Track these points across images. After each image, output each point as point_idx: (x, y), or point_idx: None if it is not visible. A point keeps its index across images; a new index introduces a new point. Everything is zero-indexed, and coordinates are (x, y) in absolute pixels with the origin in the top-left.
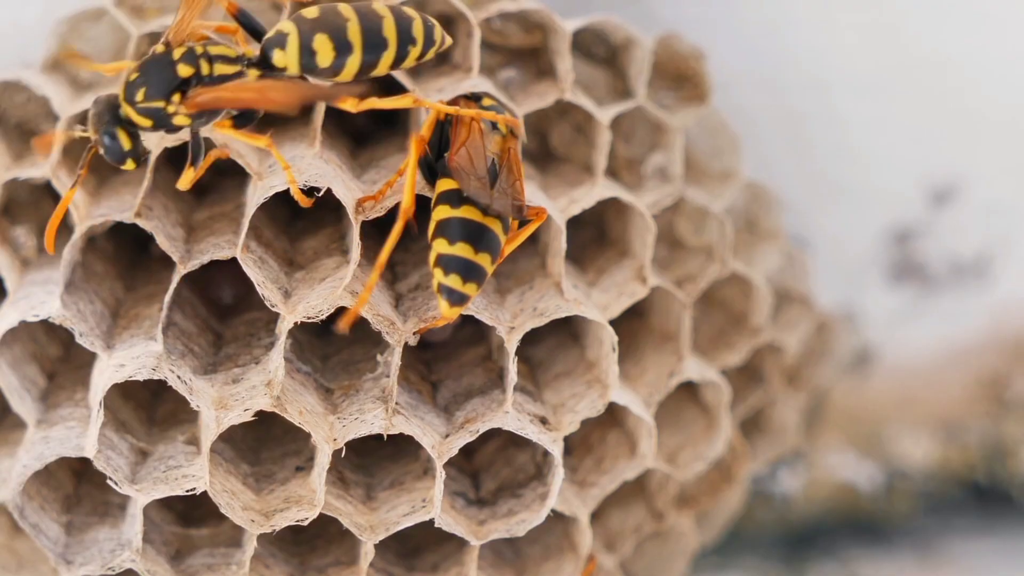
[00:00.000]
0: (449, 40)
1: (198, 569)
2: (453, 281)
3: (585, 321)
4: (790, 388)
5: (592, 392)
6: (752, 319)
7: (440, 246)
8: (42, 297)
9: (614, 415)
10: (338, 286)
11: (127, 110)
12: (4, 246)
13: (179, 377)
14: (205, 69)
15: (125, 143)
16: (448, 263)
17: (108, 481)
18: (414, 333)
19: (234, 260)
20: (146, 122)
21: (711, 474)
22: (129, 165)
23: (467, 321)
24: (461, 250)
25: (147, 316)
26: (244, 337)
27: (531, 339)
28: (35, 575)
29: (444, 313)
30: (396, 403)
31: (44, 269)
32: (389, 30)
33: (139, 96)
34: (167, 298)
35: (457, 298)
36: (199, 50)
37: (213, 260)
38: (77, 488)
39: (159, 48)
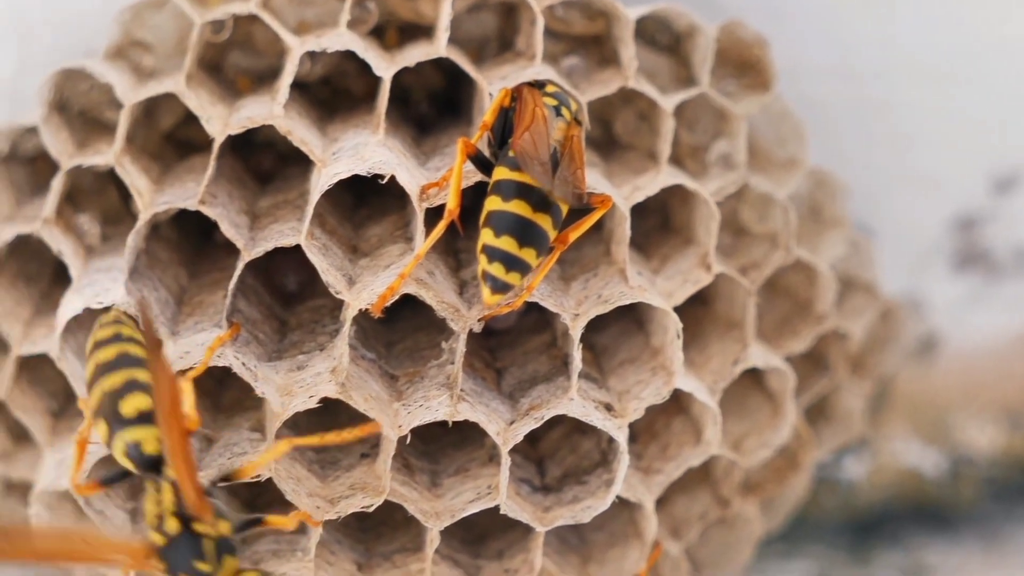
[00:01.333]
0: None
1: (263, 556)
2: (496, 270)
3: (650, 308)
4: (855, 375)
5: (657, 379)
6: (817, 306)
7: (486, 236)
8: (106, 284)
9: (679, 402)
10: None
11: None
12: (68, 233)
13: (244, 364)
14: None
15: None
16: (492, 253)
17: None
18: (479, 320)
19: (298, 247)
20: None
21: (776, 461)
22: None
23: (532, 308)
24: (505, 244)
25: (211, 303)
26: (309, 324)
27: (595, 326)
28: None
29: (486, 300)
30: (461, 390)
31: (108, 256)
32: None
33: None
34: (231, 285)
35: (500, 286)
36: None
37: (277, 247)
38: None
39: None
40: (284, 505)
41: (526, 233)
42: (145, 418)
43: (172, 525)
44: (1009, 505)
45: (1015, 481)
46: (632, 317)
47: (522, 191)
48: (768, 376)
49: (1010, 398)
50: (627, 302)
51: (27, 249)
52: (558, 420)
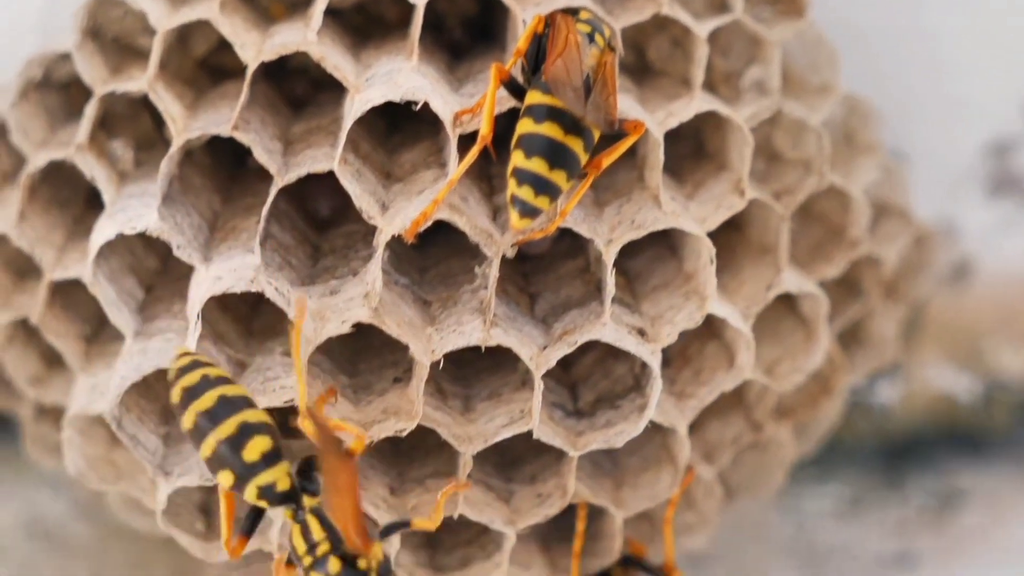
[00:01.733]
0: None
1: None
2: (525, 193)
3: (683, 233)
4: (888, 300)
5: (690, 304)
6: (850, 232)
7: (517, 158)
8: (139, 210)
9: (712, 327)
10: (437, 198)
11: None
12: (102, 159)
13: (277, 289)
14: None
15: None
16: (522, 176)
17: None
18: (512, 245)
19: (331, 173)
20: None
21: (809, 386)
22: None
23: (565, 234)
24: (536, 165)
25: (245, 229)
26: (342, 249)
27: (629, 251)
28: (133, 486)
29: (514, 224)
30: (494, 315)
31: (141, 182)
32: None
33: None
34: (265, 211)
35: (529, 210)
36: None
37: (311, 173)
38: None
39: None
40: None
41: (557, 155)
42: (270, 459)
43: (335, 566)
44: None
45: None
46: (665, 242)
47: (554, 114)
48: (801, 301)
49: None
50: (660, 227)
51: (60, 175)
52: (591, 345)
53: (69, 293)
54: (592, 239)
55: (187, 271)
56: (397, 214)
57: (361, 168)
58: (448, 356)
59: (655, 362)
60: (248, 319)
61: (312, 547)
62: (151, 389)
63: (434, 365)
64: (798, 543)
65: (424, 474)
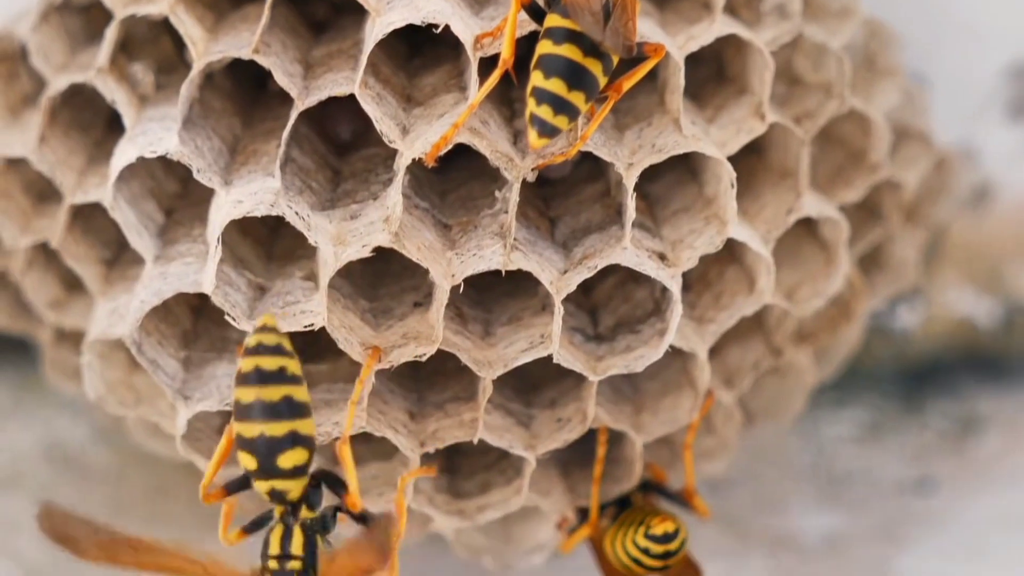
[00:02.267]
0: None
1: (316, 404)
2: (544, 112)
3: (703, 157)
4: (909, 224)
5: (710, 228)
6: (871, 156)
7: (536, 79)
8: (160, 133)
9: (732, 251)
10: (457, 121)
11: None
12: (122, 83)
13: (297, 213)
14: None
15: None
16: (541, 95)
17: (226, 317)
18: (532, 169)
19: (352, 96)
20: None
21: (829, 310)
22: None
23: (585, 158)
24: (554, 86)
25: (265, 152)
26: (362, 173)
27: (649, 175)
28: (153, 411)
29: (532, 143)
30: (514, 239)
31: (162, 106)
32: None
33: None
34: (285, 134)
35: (548, 130)
36: None
37: (331, 96)
38: (195, 324)
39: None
40: (337, 354)
41: (576, 76)
42: (298, 472)
43: (296, 567)
44: None
45: None
46: (686, 166)
47: (573, 36)
48: (821, 225)
49: None
50: (681, 151)
51: (81, 98)
52: (611, 269)
53: (89, 217)
54: (612, 163)
55: (207, 195)
56: (418, 138)
57: (382, 92)
58: (468, 280)
59: (675, 286)
60: (268, 243)
61: (285, 556)
62: (171, 313)
63: (454, 289)
64: (817, 468)
65: (444, 399)
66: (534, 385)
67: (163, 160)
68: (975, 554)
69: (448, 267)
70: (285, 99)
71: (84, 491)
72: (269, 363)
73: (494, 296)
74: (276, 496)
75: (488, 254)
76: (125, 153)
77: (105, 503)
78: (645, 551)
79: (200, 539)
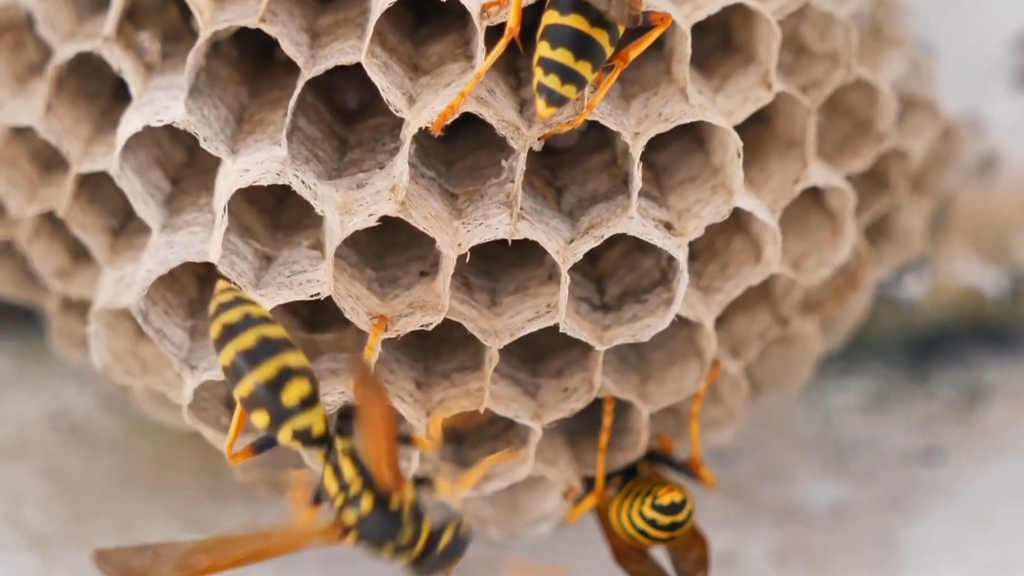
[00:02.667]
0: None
1: (322, 374)
2: (552, 82)
3: (710, 127)
4: (915, 194)
5: (717, 197)
6: (877, 125)
7: (543, 49)
8: (166, 102)
9: (739, 221)
10: (464, 90)
11: None
12: (129, 51)
13: (303, 182)
14: None
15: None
16: (548, 65)
17: (233, 285)
18: (539, 138)
19: (359, 65)
20: None
21: (836, 280)
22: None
23: (592, 127)
24: (561, 56)
25: (272, 121)
26: (369, 142)
27: (655, 145)
28: (159, 380)
29: (540, 113)
30: (521, 208)
31: (168, 75)
32: None
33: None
34: (292, 103)
35: (556, 99)
36: None
37: (338, 65)
38: (201, 293)
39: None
40: (343, 324)
41: (582, 46)
42: (308, 403)
43: (367, 504)
44: None
45: None
46: (692, 136)
47: (579, 6)
48: (828, 195)
49: None
50: (687, 120)
51: (87, 67)
52: (618, 239)
53: (95, 186)
54: (619, 132)
55: (214, 164)
56: (424, 107)
57: (388, 61)
58: (474, 250)
59: (682, 256)
60: (275, 212)
61: (344, 487)
62: (177, 282)
63: (460, 258)
64: (823, 438)
65: (450, 368)
66: (540, 355)
67: (169, 129)
68: (982, 524)
69: (454, 236)
70: (292, 68)
71: (90, 460)
72: (232, 316)
73: (500, 265)
74: (303, 438)
75: (494, 223)
76: (131, 122)
77: (111, 472)
78: (652, 522)
79: (206, 508)
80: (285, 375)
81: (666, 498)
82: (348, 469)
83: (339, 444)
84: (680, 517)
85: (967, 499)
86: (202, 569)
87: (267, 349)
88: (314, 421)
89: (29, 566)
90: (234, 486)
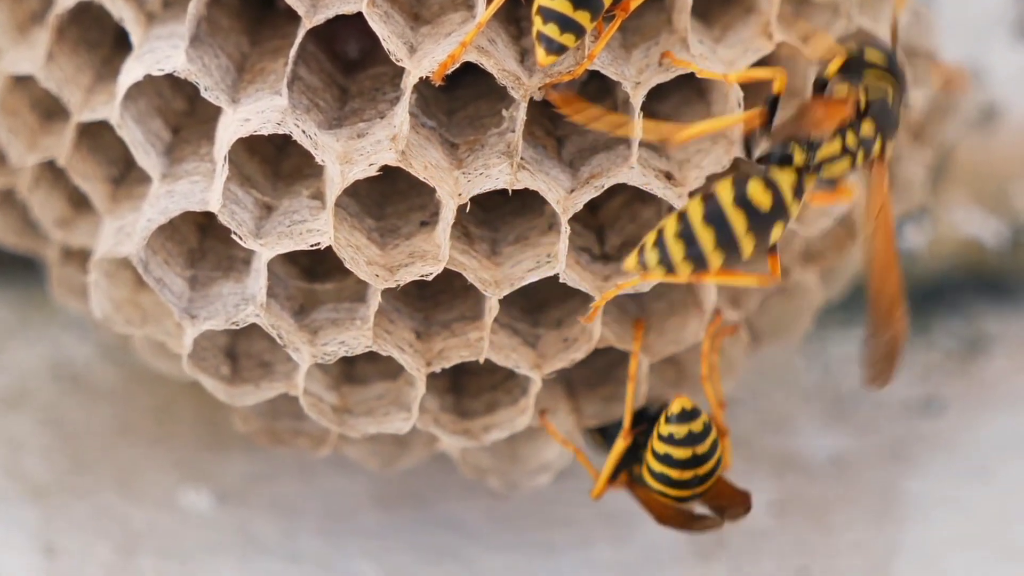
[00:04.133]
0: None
1: (322, 324)
2: (550, 30)
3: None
4: (916, 144)
5: (718, 148)
6: None
7: None
8: (167, 51)
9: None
10: (465, 40)
11: None
12: (130, 1)
13: (304, 131)
14: None
15: None
16: (547, 14)
17: (232, 236)
18: (540, 88)
19: (360, 15)
20: None
21: (837, 230)
22: None
23: (593, 77)
24: (559, 4)
25: (272, 71)
26: (369, 92)
27: (656, 95)
28: (159, 330)
29: (540, 61)
30: (521, 158)
31: (169, 24)
32: None
33: None
34: (292, 52)
35: (555, 48)
36: None
37: (339, 14)
38: (201, 243)
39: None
40: (343, 273)
41: None
42: None
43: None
44: None
45: None
46: (693, 86)
47: None
48: None
49: None
50: (688, 70)
51: (88, 16)
52: (618, 189)
53: (96, 135)
54: (620, 82)
55: (214, 113)
56: (425, 56)
57: (389, 10)
58: (475, 200)
59: (682, 205)
60: (275, 162)
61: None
62: (177, 231)
63: (461, 208)
64: (824, 388)
65: (450, 318)
66: (540, 305)
67: (170, 78)
68: (982, 475)
69: (455, 186)
70: (293, 17)
71: (90, 410)
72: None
73: (501, 215)
74: None
75: (495, 173)
76: (132, 71)
77: (111, 422)
78: (668, 449)
79: (205, 458)
80: None
81: (675, 406)
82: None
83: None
84: (697, 426)
85: (967, 450)
86: None
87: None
88: None
89: (29, 516)
90: (234, 436)
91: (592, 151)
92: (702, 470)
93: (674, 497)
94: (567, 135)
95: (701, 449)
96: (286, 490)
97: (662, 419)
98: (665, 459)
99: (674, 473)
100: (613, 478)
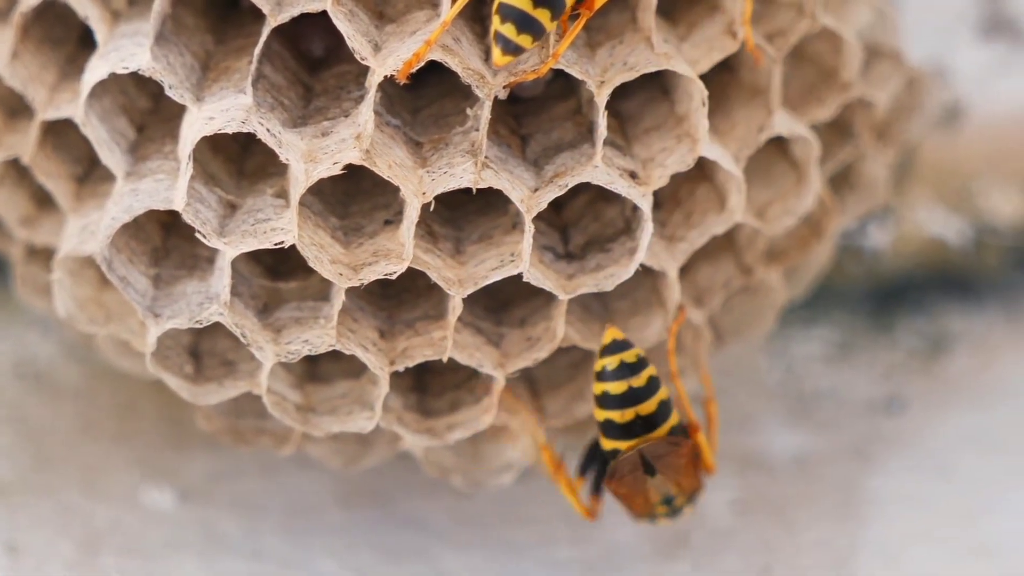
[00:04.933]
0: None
1: (286, 323)
2: (508, 30)
3: (675, 75)
4: (880, 143)
5: (682, 146)
6: (842, 74)
7: None
8: (132, 49)
9: (703, 170)
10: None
11: None
12: None
13: (268, 130)
14: None
15: None
16: (505, 12)
17: (196, 234)
18: (504, 87)
19: (324, 13)
20: None
21: (800, 229)
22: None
23: (557, 75)
24: (519, 2)
25: (237, 69)
26: (334, 90)
27: (621, 93)
28: (123, 328)
29: (496, 61)
30: (485, 156)
31: (134, 21)
32: None
33: None
34: (257, 51)
35: (512, 48)
36: None
37: (304, 13)
38: (165, 241)
39: None
40: (307, 272)
41: None
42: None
43: None
44: None
45: None
46: (658, 85)
47: None
48: (793, 144)
49: None
50: (653, 69)
51: (53, 14)
52: (582, 187)
53: (61, 133)
54: (584, 81)
55: (179, 111)
56: (390, 55)
57: (354, 8)
58: (439, 198)
59: (646, 205)
60: (240, 160)
61: None
62: (142, 230)
63: (425, 207)
64: (787, 387)
65: (414, 317)
66: (504, 304)
67: (135, 76)
68: (944, 473)
69: (419, 185)
70: (258, 16)
71: (53, 408)
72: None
73: (465, 214)
74: None
75: (459, 172)
76: (97, 69)
77: (74, 420)
78: (605, 387)
79: (168, 456)
80: None
81: (607, 336)
82: None
83: None
84: (629, 357)
85: (930, 449)
86: None
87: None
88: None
89: None
90: (197, 435)
91: (556, 150)
92: (643, 409)
93: (627, 451)
94: (532, 134)
95: (637, 383)
96: (249, 488)
97: (596, 355)
98: (604, 400)
99: (616, 416)
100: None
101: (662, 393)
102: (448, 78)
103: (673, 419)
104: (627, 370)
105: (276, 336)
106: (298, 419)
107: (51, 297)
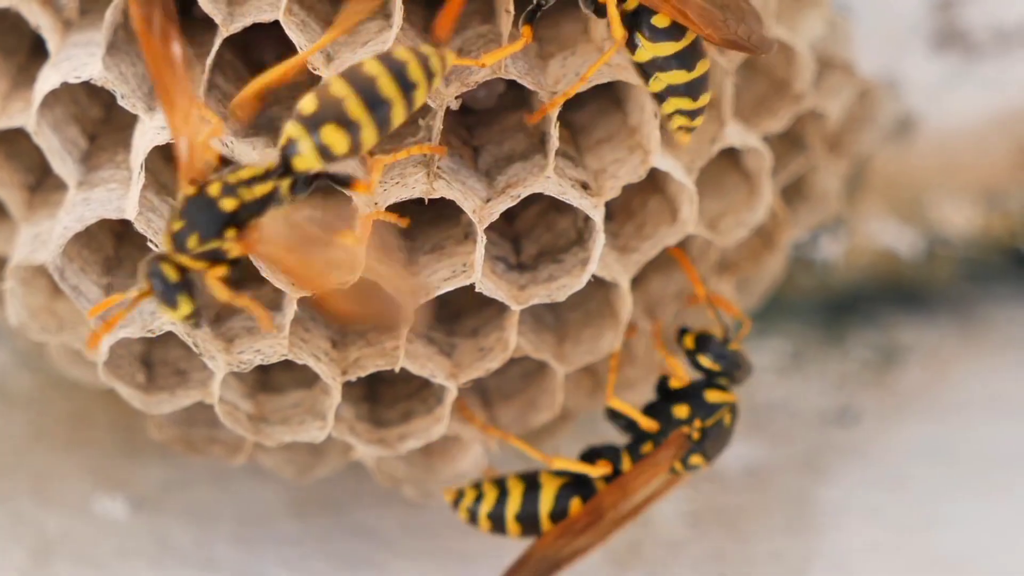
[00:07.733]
0: (450, 62)
1: (238, 332)
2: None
3: (627, 86)
4: (832, 155)
5: (634, 157)
6: (794, 85)
7: None
8: (84, 59)
9: (655, 181)
10: (380, 49)
11: (181, 260)
12: (46, 8)
13: (220, 139)
14: (246, 195)
15: (172, 276)
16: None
17: (149, 243)
18: (456, 97)
19: (277, 23)
20: (202, 265)
21: (752, 240)
22: (183, 307)
23: (510, 86)
24: None
25: (190, 79)
26: (286, 100)
27: (573, 104)
28: (75, 337)
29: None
30: (438, 167)
31: (86, 31)
32: (386, 88)
33: (192, 243)
34: (209, 61)
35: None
36: (233, 180)
37: (256, 23)
38: (118, 250)
39: (189, 191)
40: (260, 282)
41: None
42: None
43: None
44: (984, 285)
45: (990, 261)
46: (610, 96)
47: None
48: (745, 155)
49: (986, 178)
50: (605, 80)
51: (4, 23)
52: (534, 198)
53: (12, 142)
54: (536, 91)
55: (131, 121)
56: (342, 65)
57: (306, 19)
58: (391, 208)
59: (598, 216)
60: None
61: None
62: (94, 239)
63: None
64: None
65: (366, 327)
66: (456, 314)
67: (87, 86)
68: (896, 484)
69: (371, 195)
70: (210, 25)
71: (5, 416)
72: None
73: (417, 225)
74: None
75: (411, 182)
76: (49, 79)
77: (26, 428)
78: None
79: (120, 465)
80: None
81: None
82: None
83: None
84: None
85: (882, 460)
86: None
87: None
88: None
89: None
90: (149, 444)
91: (508, 160)
92: None
93: None
94: (484, 144)
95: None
96: (201, 497)
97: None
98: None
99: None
100: None
101: None
102: None
103: None
104: None
105: (228, 346)
106: (250, 429)
107: (3, 306)
